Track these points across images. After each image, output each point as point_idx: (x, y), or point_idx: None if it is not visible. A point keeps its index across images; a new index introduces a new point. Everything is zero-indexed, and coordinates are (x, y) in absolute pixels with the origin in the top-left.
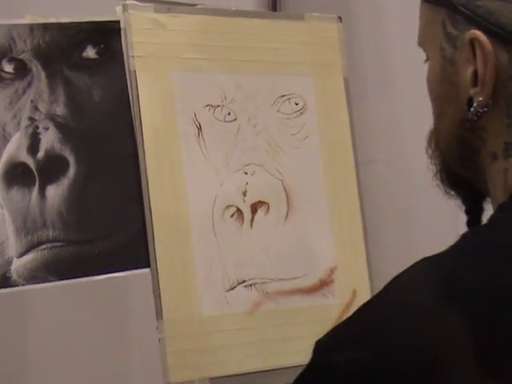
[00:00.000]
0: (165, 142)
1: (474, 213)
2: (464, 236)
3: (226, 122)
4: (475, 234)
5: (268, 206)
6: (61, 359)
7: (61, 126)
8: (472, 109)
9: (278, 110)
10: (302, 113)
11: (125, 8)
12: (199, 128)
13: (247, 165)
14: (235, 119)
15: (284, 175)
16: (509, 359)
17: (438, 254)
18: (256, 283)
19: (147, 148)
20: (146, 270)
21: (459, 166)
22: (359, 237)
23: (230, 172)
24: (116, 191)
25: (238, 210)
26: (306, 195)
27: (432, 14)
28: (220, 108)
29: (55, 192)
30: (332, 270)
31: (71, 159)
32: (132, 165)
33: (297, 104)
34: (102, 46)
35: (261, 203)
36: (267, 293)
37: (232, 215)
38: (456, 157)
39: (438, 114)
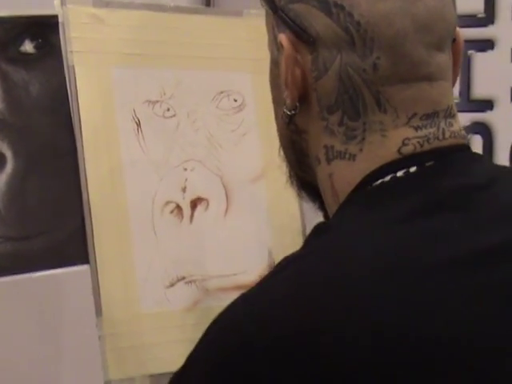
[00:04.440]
0: (104, 137)
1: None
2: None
3: (165, 117)
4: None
5: (208, 202)
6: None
7: None
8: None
9: (217, 106)
10: (240, 109)
11: (63, 2)
12: (138, 124)
13: (187, 161)
14: (174, 115)
15: (223, 171)
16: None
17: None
18: (196, 280)
19: (86, 144)
20: (85, 267)
21: (298, 169)
22: (298, 233)
23: (170, 168)
24: (54, 187)
25: (178, 206)
26: (245, 192)
27: (268, 18)
28: (159, 104)
29: None
30: (271, 266)
31: (8, 154)
32: (70, 161)
33: (235, 100)
34: (39, 40)
35: (200, 199)
36: (207, 289)
37: (171, 211)
38: (294, 161)
39: (275, 117)
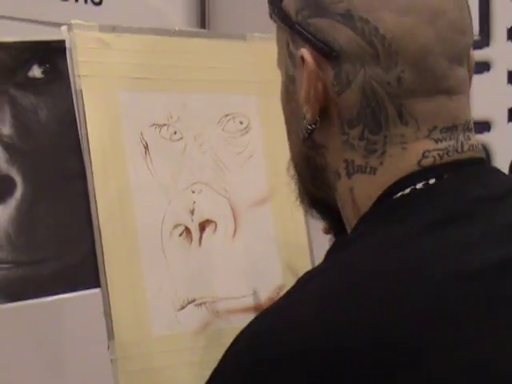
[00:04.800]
0: (112, 161)
1: (339, 227)
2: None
3: (172, 140)
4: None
5: (216, 224)
6: (14, 378)
7: (7, 146)
8: (302, 126)
9: (223, 129)
10: (246, 132)
11: (69, 27)
12: (146, 147)
13: (194, 183)
14: (181, 138)
15: (230, 194)
16: None
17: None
18: (206, 302)
19: (95, 168)
20: (96, 291)
21: (312, 186)
22: (305, 256)
23: (178, 191)
24: (64, 212)
25: (187, 228)
26: (252, 214)
27: (280, 34)
28: (166, 127)
29: (2, 213)
30: (280, 288)
31: (18, 179)
32: (80, 185)
33: (241, 123)
34: (47, 65)
35: (208, 222)
36: (217, 311)
37: (180, 234)
38: (308, 177)
39: (288, 134)
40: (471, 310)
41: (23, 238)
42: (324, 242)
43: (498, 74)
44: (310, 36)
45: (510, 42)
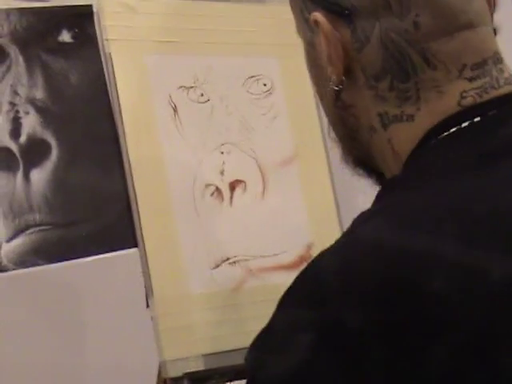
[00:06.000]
0: (143, 123)
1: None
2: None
3: (199, 102)
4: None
5: (245, 184)
6: (56, 339)
7: (41, 110)
8: (329, 88)
9: (247, 91)
10: (270, 93)
11: None
12: (175, 109)
13: (223, 144)
14: (208, 100)
15: (257, 154)
16: None
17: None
18: (240, 260)
19: (127, 130)
20: (133, 250)
21: (351, 146)
22: (333, 213)
23: (207, 152)
24: (98, 174)
25: (217, 188)
26: (279, 173)
27: (294, 2)
28: (193, 89)
29: (39, 176)
30: (309, 246)
31: (53, 143)
32: (112, 146)
33: (265, 85)
34: (76, 30)
35: (238, 181)
36: (251, 269)
37: (212, 194)
38: (345, 138)
39: (320, 99)
40: None
41: (59, 200)
42: (350, 199)
43: None
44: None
45: None
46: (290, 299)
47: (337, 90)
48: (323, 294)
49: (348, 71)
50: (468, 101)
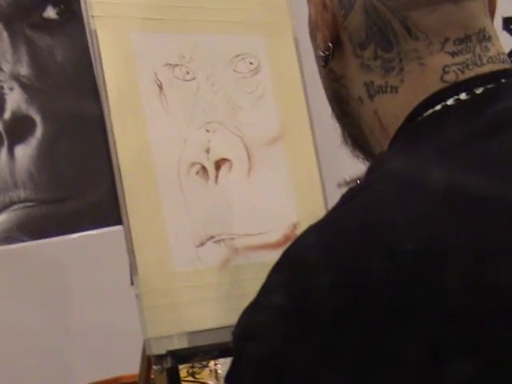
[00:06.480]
0: (128, 100)
1: None
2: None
3: (185, 80)
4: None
5: (231, 162)
6: (40, 315)
7: (25, 87)
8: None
9: (234, 69)
10: (256, 72)
11: None
12: (160, 87)
13: (208, 123)
14: (194, 78)
15: (243, 133)
16: None
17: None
18: (225, 239)
19: (112, 107)
20: (118, 228)
21: (345, 124)
22: (318, 192)
23: (193, 130)
24: (83, 151)
25: (203, 167)
26: (266, 152)
27: None
28: (179, 67)
29: (24, 152)
30: (295, 226)
31: (38, 119)
32: (97, 124)
33: (251, 63)
34: (61, 6)
35: (224, 160)
36: (236, 248)
37: (197, 172)
38: (340, 114)
39: (319, 73)
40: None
41: (44, 176)
42: (336, 179)
43: None
44: None
45: (504, 32)
46: (272, 274)
47: (325, 59)
48: (303, 267)
49: (337, 40)
50: (450, 76)
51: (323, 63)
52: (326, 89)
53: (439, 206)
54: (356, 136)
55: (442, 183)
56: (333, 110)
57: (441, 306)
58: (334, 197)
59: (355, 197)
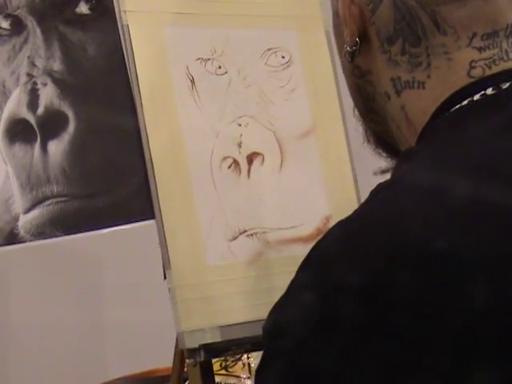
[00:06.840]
0: (161, 95)
1: None
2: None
3: (217, 74)
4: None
5: (263, 156)
6: (73, 310)
7: (58, 82)
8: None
9: (265, 63)
10: (288, 65)
11: None
12: (192, 81)
13: (240, 117)
14: (226, 72)
15: (276, 126)
16: None
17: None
18: (257, 232)
19: (144, 102)
20: (150, 222)
21: (370, 121)
22: (350, 185)
23: (225, 124)
24: (116, 145)
25: (235, 161)
26: (298, 146)
27: None
28: (211, 61)
29: (57, 147)
30: (327, 219)
31: (70, 114)
32: (129, 118)
33: (283, 57)
34: (93, 1)
35: (256, 154)
36: (268, 242)
37: (229, 166)
38: (364, 111)
39: (343, 71)
40: None
41: (77, 171)
42: (367, 173)
43: None
44: None
45: None
46: (301, 270)
47: (352, 55)
48: (329, 260)
49: (364, 35)
50: (477, 71)
51: (349, 59)
52: (350, 85)
53: (464, 213)
54: (380, 132)
55: (467, 191)
56: (356, 106)
57: (467, 316)
58: (367, 190)
59: (382, 192)
